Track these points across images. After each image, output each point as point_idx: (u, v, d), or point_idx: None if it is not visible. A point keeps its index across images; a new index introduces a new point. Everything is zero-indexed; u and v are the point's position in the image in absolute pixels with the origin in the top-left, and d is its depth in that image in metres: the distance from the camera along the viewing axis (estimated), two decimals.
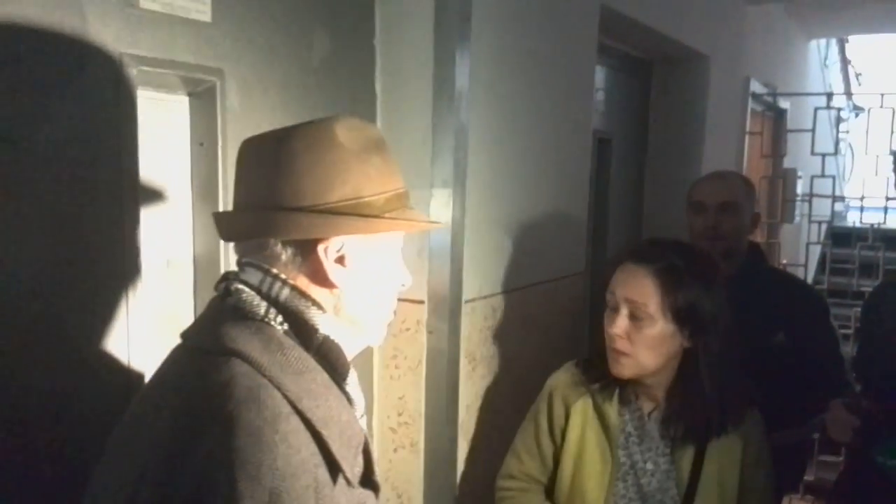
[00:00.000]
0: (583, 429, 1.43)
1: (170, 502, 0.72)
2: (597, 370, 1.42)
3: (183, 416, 0.76)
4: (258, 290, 0.86)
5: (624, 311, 1.32)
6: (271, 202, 0.85)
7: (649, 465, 1.37)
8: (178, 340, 0.90)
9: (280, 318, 0.85)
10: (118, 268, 1.15)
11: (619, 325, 1.32)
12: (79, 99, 1.08)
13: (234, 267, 0.93)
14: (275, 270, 0.86)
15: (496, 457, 1.82)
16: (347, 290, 0.89)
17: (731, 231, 1.90)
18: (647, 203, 3.22)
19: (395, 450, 1.69)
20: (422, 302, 1.62)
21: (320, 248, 0.85)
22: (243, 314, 0.84)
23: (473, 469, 1.75)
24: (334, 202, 0.85)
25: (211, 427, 0.74)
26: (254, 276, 0.87)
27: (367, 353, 1.61)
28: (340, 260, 0.87)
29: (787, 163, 4.42)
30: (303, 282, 0.87)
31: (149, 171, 1.23)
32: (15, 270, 1.02)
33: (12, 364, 1.02)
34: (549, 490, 1.49)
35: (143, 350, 1.18)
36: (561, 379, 1.50)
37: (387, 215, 0.88)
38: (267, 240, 0.86)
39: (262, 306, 0.84)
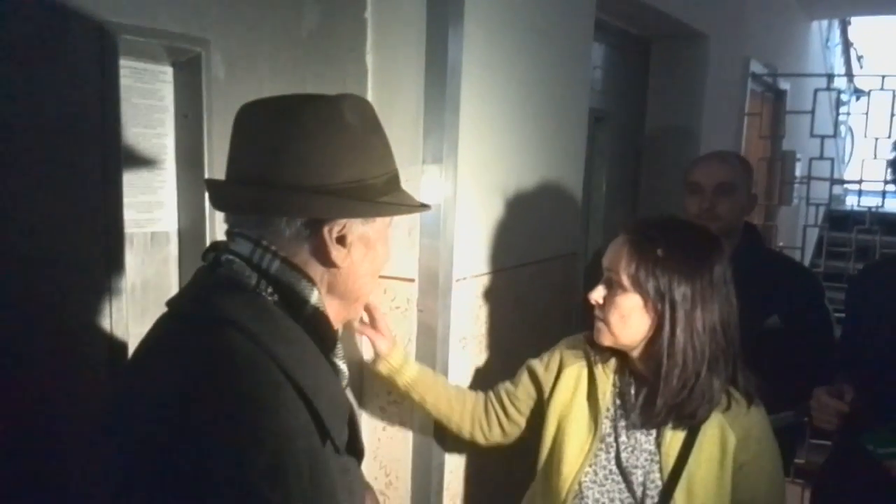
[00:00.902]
0: (573, 393, 1.41)
1: (173, 471, 0.71)
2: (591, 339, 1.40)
3: (181, 385, 0.75)
4: (248, 261, 0.86)
5: (605, 279, 1.32)
6: (278, 179, 0.84)
7: (631, 441, 1.34)
8: (162, 312, 0.88)
9: (270, 289, 0.85)
10: (100, 239, 1.12)
11: (597, 291, 1.32)
12: (60, 68, 1.05)
13: (220, 238, 0.93)
14: (265, 242, 0.86)
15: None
16: (343, 269, 0.90)
17: (727, 212, 1.88)
18: (644, 182, 3.20)
19: (384, 428, 1.68)
20: (412, 280, 1.60)
21: (325, 228, 0.86)
22: (234, 284, 0.84)
23: (462, 448, 1.75)
24: (340, 183, 0.85)
25: (211, 394, 0.74)
26: (244, 247, 0.86)
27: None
28: (341, 240, 0.88)
29: (786, 145, 4.39)
30: (302, 258, 0.88)
31: (132, 142, 1.21)
32: None
33: None
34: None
35: (125, 321, 1.17)
36: (569, 342, 1.50)
37: (385, 198, 0.90)
38: (271, 216, 0.86)
39: (253, 277, 0.85)
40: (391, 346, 1.50)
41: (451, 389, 1.57)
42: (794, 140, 4.38)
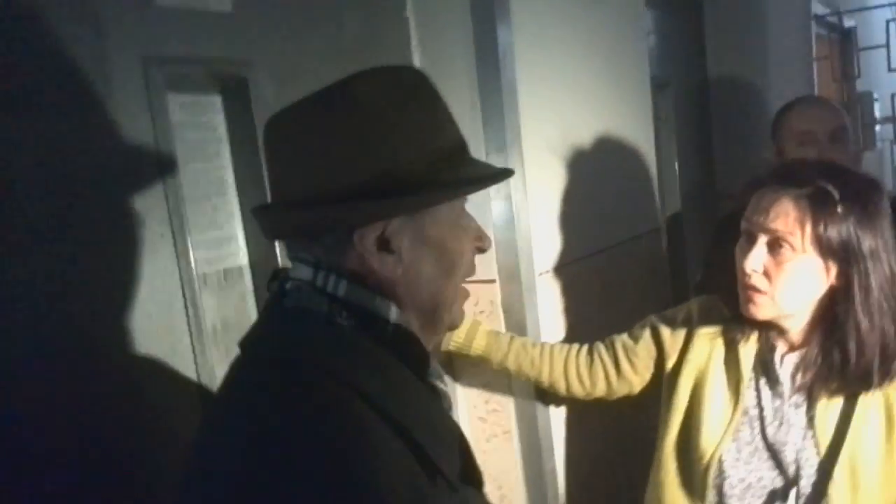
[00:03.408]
0: (708, 359, 1.27)
1: None
2: (733, 307, 1.24)
3: (258, 438, 0.66)
4: (313, 286, 0.76)
5: (762, 243, 1.14)
6: (295, 195, 0.75)
7: (778, 415, 1.20)
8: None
9: (345, 314, 0.74)
10: (172, 284, 1.09)
11: (756, 258, 1.13)
12: (109, 113, 1.01)
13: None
14: (324, 263, 0.76)
15: (594, 433, 1.71)
16: (403, 277, 0.76)
17: (843, 162, 1.71)
18: (717, 147, 3.02)
19: (488, 439, 1.60)
20: (493, 281, 1.52)
21: (355, 237, 0.74)
22: (305, 314, 0.75)
23: (572, 449, 1.65)
24: (364, 181, 0.72)
25: (290, 451, 0.64)
26: (305, 272, 0.77)
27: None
28: (385, 245, 0.75)
29: (861, 86, 4.12)
30: (355, 274, 0.76)
31: (192, 179, 1.17)
32: (67, 293, 0.97)
33: (73, 386, 0.97)
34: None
35: (210, 364, 1.12)
36: (701, 302, 1.36)
37: (433, 182, 0.74)
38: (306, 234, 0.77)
39: (323, 303, 0.75)
40: None
41: (532, 350, 1.46)
42: (870, 79, 4.10)
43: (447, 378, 1.57)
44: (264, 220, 0.82)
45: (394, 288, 0.77)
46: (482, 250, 0.84)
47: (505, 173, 0.81)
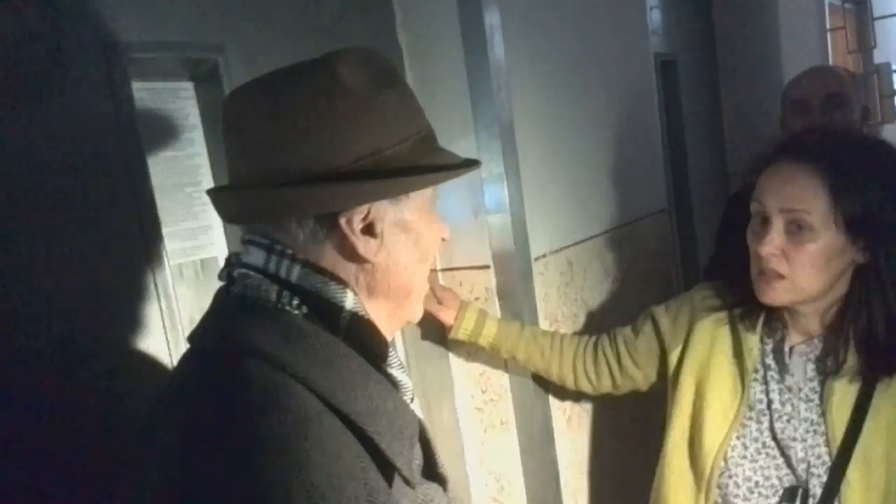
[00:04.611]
0: (710, 350, 1.20)
1: None
2: (740, 293, 1.18)
3: (191, 434, 0.63)
4: (264, 272, 0.72)
5: (778, 224, 1.05)
6: (275, 173, 0.70)
7: (787, 409, 1.13)
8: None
9: (296, 301, 0.71)
10: (142, 275, 1.05)
11: (773, 241, 1.05)
12: (68, 101, 0.97)
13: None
14: (279, 247, 0.72)
15: (596, 423, 1.66)
16: (381, 262, 0.74)
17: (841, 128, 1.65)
18: (728, 124, 2.94)
19: (485, 430, 1.55)
20: (487, 267, 1.46)
21: (342, 220, 0.71)
22: (252, 302, 0.71)
23: (573, 439, 1.60)
24: (350, 163, 0.70)
25: (225, 444, 0.61)
26: (256, 256, 0.73)
27: (439, 330, 1.48)
28: (369, 230, 0.73)
29: (879, 57, 3.99)
30: (328, 259, 0.73)
31: (163, 168, 1.13)
32: (38, 288, 0.93)
33: (41, 383, 0.94)
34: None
35: None
36: (701, 290, 1.29)
37: (414, 167, 0.72)
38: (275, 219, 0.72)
39: (272, 290, 0.71)
40: (461, 312, 1.37)
41: (543, 340, 1.41)
42: (887, 50, 3.97)
43: (441, 365, 1.53)
44: (228, 202, 0.76)
45: (369, 274, 0.75)
46: (444, 240, 0.83)
47: (475, 162, 0.80)
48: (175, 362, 1.07)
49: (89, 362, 0.99)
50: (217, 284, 0.79)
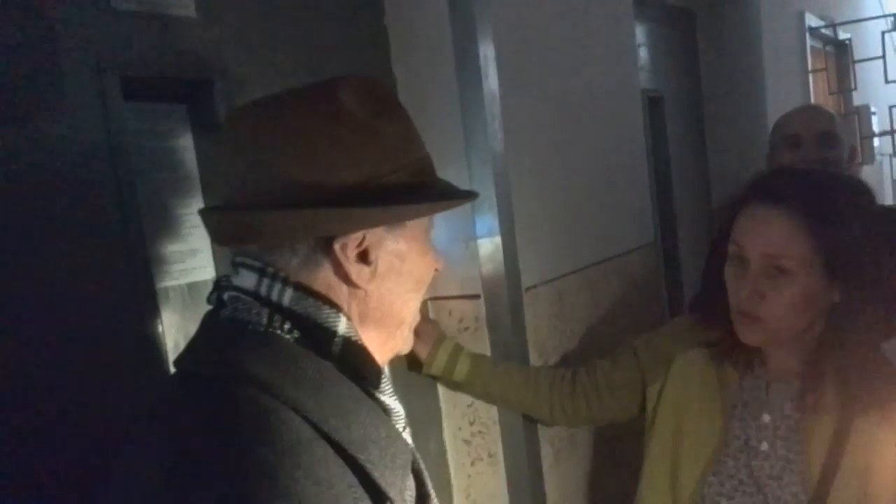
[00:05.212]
0: (688, 385, 1.19)
1: None
2: (717, 330, 1.16)
3: (178, 461, 0.61)
4: (256, 295, 0.70)
5: (756, 268, 1.04)
6: (272, 195, 0.68)
7: (763, 447, 1.12)
8: None
9: (288, 325, 0.69)
10: (125, 298, 1.03)
11: (750, 286, 1.05)
12: (58, 120, 0.96)
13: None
14: (272, 269, 0.70)
15: (586, 457, 1.64)
16: (374, 291, 0.74)
17: (833, 166, 1.66)
18: (712, 159, 2.98)
19: (473, 463, 1.52)
20: (477, 296, 1.45)
21: (337, 245, 0.70)
22: (242, 326, 0.69)
23: (562, 474, 1.57)
24: (347, 187, 0.68)
25: (212, 472, 0.59)
26: (248, 279, 0.71)
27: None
28: (363, 257, 0.72)
29: (858, 99, 4.08)
30: (322, 283, 0.71)
31: (152, 189, 1.12)
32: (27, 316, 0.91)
33: (16, 408, 0.91)
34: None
35: None
36: (680, 323, 1.29)
37: (411, 195, 0.72)
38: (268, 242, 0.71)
39: (263, 314, 0.69)
40: (434, 346, 1.34)
41: (517, 376, 1.38)
42: (867, 92, 4.06)
43: (430, 395, 1.51)
44: (221, 222, 0.74)
45: (362, 301, 0.74)
46: (438, 271, 0.82)
47: (473, 194, 0.81)
48: (160, 387, 1.04)
49: (70, 387, 0.96)
50: (205, 309, 0.78)
